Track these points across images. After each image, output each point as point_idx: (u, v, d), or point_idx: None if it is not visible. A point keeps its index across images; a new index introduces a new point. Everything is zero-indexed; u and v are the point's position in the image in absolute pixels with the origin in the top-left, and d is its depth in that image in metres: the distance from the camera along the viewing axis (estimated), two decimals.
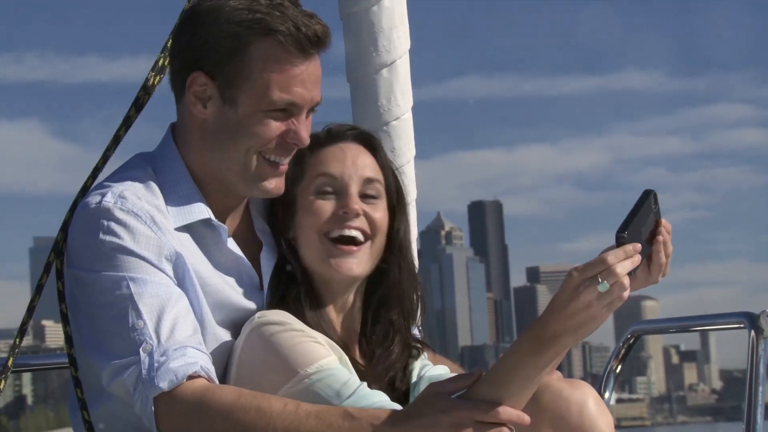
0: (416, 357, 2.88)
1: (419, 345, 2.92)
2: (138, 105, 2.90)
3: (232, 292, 2.76)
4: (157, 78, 2.91)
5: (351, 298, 2.85)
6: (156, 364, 2.52)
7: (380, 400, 2.56)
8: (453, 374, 2.84)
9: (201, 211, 2.74)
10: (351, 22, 3.36)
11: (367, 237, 2.80)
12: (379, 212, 2.82)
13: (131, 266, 2.62)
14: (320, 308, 2.78)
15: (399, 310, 2.87)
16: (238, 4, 2.68)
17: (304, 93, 2.70)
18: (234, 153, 2.72)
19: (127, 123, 2.89)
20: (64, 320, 2.72)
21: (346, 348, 2.76)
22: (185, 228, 2.73)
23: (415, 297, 2.89)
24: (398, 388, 2.81)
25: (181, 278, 2.69)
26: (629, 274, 2.39)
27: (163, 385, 2.50)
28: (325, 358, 2.61)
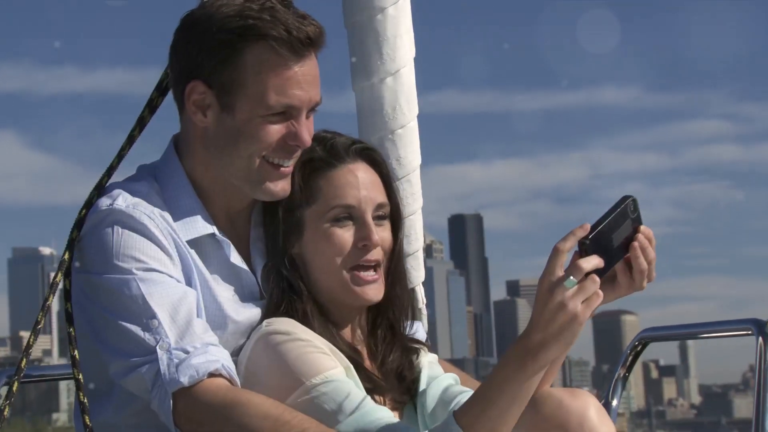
0: (417, 354, 2.90)
1: (417, 345, 2.93)
2: (152, 107, 2.91)
3: (232, 304, 2.76)
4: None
5: (358, 311, 2.86)
6: (176, 360, 2.53)
7: (383, 416, 2.57)
8: (461, 385, 2.86)
9: (205, 225, 2.75)
10: (355, 30, 3.34)
11: (380, 263, 2.83)
12: (387, 232, 2.85)
13: (141, 267, 2.61)
14: (329, 322, 2.79)
15: (394, 314, 2.89)
16: (229, 11, 2.68)
17: (301, 94, 2.71)
18: (236, 159, 2.72)
19: (141, 123, 2.90)
20: (69, 320, 2.71)
21: (356, 354, 2.77)
22: (190, 242, 2.73)
23: (407, 303, 2.93)
24: (407, 379, 2.83)
25: (188, 285, 2.69)
26: (600, 273, 2.40)
27: (184, 380, 2.50)
28: (331, 369, 2.61)
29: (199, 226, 2.74)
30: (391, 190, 2.89)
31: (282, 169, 2.75)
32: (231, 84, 2.69)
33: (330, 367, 2.61)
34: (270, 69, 2.67)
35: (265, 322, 2.69)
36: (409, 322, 2.95)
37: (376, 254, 2.80)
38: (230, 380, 2.57)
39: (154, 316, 2.57)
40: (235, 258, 2.78)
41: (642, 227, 2.54)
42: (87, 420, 2.67)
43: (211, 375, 2.53)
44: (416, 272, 3.39)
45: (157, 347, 2.54)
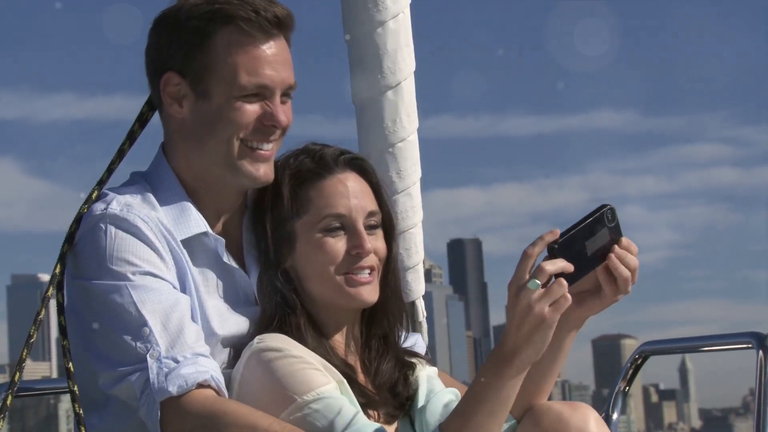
0: (414, 369, 2.86)
1: (414, 358, 2.90)
2: (142, 120, 2.91)
3: (227, 306, 2.76)
4: None
5: (351, 322, 2.85)
6: (166, 369, 2.53)
7: None
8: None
9: (198, 224, 2.75)
10: (356, 44, 3.35)
11: (374, 268, 2.81)
12: (381, 241, 2.84)
13: (133, 273, 2.62)
14: (322, 334, 2.78)
15: (388, 325, 2.87)
16: (196, 1, 2.73)
17: (273, 74, 2.74)
18: (215, 144, 2.74)
19: (131, 137, 2.91)
20: (62, 333, 2.71)
21: (349, 368, 2.76)
22: (184, 242, 2.73)
23: (401, 314, 2.90)
24: (401, 394, 2.80)
25: (183, 288, 2.69)
26: (572, 278, 2.42)
27: (173, 389, 2.50)
28: (323, 386, 2.60)
29: (192, 224, 2.74)
30: (382, 198, 2.88)
31: (260, 152, 2.76)
32: (203, 69, 2.72)
33: (322, 383, 2.61)
34: (240, 49, 2.71)
35: (257, 339, 2.68)
36: (404, 334, 2.93)
37: (370, 261, 2.79)
38: (218, 391, 2.57)
39: (145, 323, 2.57)
40: (228, 258, 2.79)
41: (624, 239, 2.54)
42: (83, 430, 2.66)
43: (200, 386, 2.53)
44: (416, 285, 3.39)
45: (148, 356, 2.54)
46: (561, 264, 2.42)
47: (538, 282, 2.39)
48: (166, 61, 2.74)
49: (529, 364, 2.46)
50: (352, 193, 2.80)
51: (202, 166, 2.77)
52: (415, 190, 3.38)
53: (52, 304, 2.76)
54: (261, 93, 2.73)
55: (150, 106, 2.90)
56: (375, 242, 2.82)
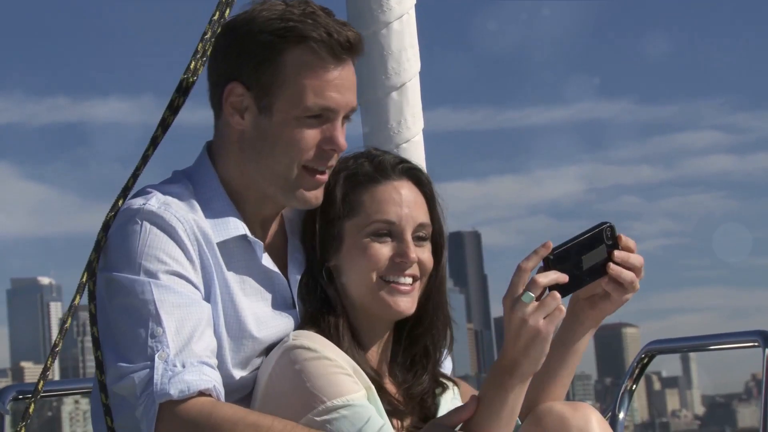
0: (444, 389, 2.87)
1: (447, 380, 2.91)
2: (164, 126, 2.91)
3: (266, 309, 2.76)
4: (181, 99, 2.91)
5: (386, 333, 2.84)
6: (170, 373, 2.53)
7: None
8: None
9: (236, 227, 2.75)
10: None
11: (416, 279, 2.80)
12: (427, 253, 2.83)
13: (159, 271, 2.62)
14: (357, 338, 2.77)
15: (429, 341, 2.87)
16: (270, 15, 2.71)
17: (338, 98, 2.72)
18: (274, 164, 2.73)
19: (154, 143, 2.89)
20: (92, 321, 2.70)
21: (379, 376, 2.75)
22: (221, 244, 2.73)
23: (446, 330, 2.90)
24: (430, 408, 2.81)
25: (208, 294, 2.69)
26: (565, 290, 2.45)
27: (174, 392, 2.51)
28: (354, 393, 2.60)
29: (231, 227, 2.74)
30: (435, 212, 2.87)
31: (318, 176, 2.75)
32: (270, 85, 2.70)
33: (353, 390, 2.60)
34: (309, 70, 2.69)
35: (292, 335, 2.68)
36: (445, 352, 2.92)
37: (413, 270, 2.78)
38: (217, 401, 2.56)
39: (160, 323, 2.57)
40: (267, 261, 2.78)
41: (623, 239, 2.55)
42: (109, 422, 2.66)
43: (201, 393, 2.53)
44: None
45: (156, 356, 2.54)
46: (554, 276, 2.44)
47: (532, 295, 2.42)
48: (233, 71, 2.73)
49: (531, 375, 2.49)
50: (404, 202, 2.79)
51: (254, 179, 2.77)
52: None
53: (64, 307, 2.76)
54: (324, 115, 2.72)
55: (171, 110, 2.89)
56: (421, 254, 2.80)
